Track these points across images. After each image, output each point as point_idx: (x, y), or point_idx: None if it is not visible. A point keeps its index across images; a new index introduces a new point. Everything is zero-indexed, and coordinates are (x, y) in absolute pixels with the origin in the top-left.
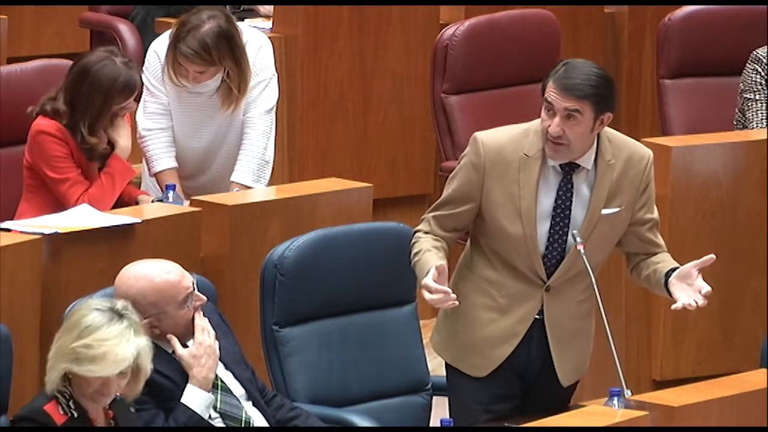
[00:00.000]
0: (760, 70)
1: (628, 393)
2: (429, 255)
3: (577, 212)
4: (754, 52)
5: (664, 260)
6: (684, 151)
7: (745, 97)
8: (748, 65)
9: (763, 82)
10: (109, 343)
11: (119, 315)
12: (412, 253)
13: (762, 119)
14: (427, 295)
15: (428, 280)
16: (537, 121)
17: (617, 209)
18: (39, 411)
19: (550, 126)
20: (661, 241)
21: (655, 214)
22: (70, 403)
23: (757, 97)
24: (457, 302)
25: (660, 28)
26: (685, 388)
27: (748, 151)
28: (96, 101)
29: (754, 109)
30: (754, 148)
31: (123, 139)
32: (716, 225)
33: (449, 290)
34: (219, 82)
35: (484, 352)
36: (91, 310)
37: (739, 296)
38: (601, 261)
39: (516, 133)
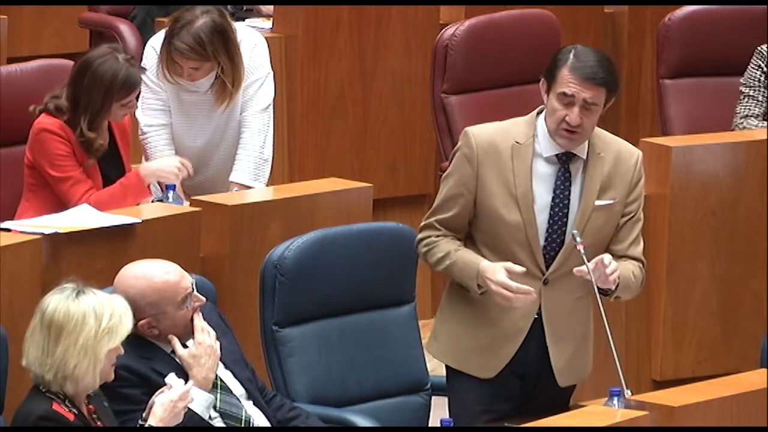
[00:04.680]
0: (762, 66)
1: (628, 393)
2: (466, 253)
3: (572, 203)
4: (759, 48)
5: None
6: (684, 151)
7: (740, 90)
8: (752, 59)
9: (762, 78)
10: (115, 304)
11: (80, 291)
12: (437, 258)
13: (745, 115)
14: (504, 293)
15: (505, 278)
16: (526, 116)
17: (611, 201)
18: (53, 411)
19: (567, 116)
20: (633, 239)
21: (639, 213)
22: (67, 402)
23: (751, 93)
24: (534, 295)
25: (660, 28)
26: (685, 388)
27: (748, 151)
28: (97, 96)
29: (744, 104)
30: (754, 148)
31: (156, 162)
32: (716, 225)
33: (531, 289)
34: (214, 80)
35: (491, 352)
36: (66, 302)
37: (739, 296)
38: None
39: (506, 124)
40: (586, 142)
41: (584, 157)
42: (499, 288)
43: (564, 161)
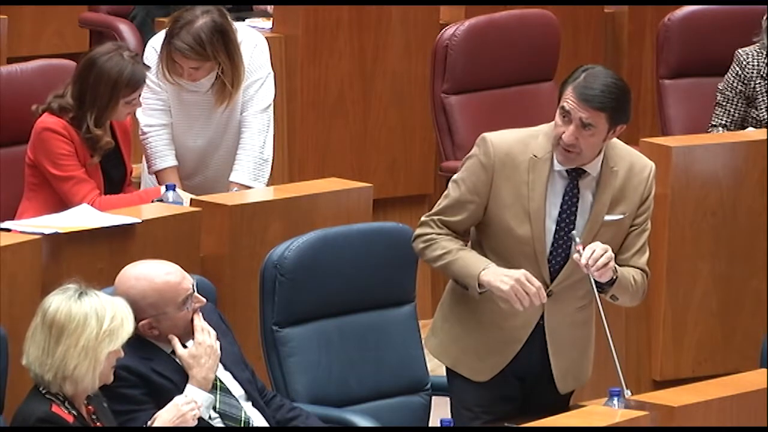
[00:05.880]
0: (739, 71)
1: (628, 393)
2: (471, 252)
3: (580, 218)
4: (738, 52)
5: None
6: (684, 151)
7: (715, 96)
8: (732, 64)
9: (736, 84)
10: (117, 307)
11: (82, 293)
12: (437, 254)
13: (713, 125)
14: (526, 286)
15: (528, 275)
16: (545, 125)
17: (621, 216)
18: (52, 414)
19: (564, 133)
20: (638, 249)
21: (646, 224)
22: (66, 404)
23: (723, 102)
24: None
25: (660, 28)
26: (685, 388)
27: (748, 151)
28: (103, 93)
29: (715, 112)
30: (754, 148)
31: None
32: (716, 225)
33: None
34: (214, 80)
35: (485, 356)
36: (68, 303)
37: (739, 296)
38: None
39: (524, 134)
40: (599, 158)
41: (595, 174)
42: (522, 278)
43: (574, 177)
